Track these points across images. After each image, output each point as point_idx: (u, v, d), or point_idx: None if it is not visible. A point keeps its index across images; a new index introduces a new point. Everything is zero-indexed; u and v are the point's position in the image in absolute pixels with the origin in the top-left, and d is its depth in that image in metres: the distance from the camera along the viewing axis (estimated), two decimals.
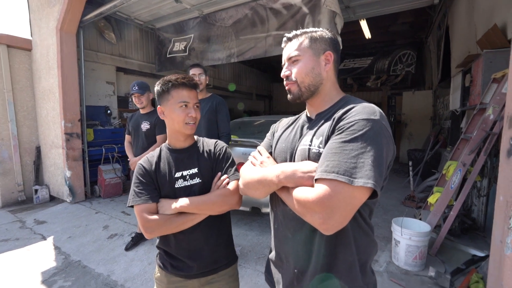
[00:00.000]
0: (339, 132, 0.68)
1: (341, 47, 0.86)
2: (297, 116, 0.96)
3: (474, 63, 3.04)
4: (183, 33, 4.80)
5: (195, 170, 1.05)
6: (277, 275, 0.88)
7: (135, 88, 2.56)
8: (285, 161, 0.83)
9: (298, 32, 0.84)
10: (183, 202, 0.96)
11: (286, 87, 0.85)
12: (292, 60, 0.82)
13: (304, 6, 3.39)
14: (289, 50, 0.84)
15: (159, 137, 2.59)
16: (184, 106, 1.01)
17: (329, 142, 0.68)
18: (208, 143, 1.14)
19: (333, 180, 0.61)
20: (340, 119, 0.71)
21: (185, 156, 1.07)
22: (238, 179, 1.00)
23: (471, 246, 2.47)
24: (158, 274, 1.11)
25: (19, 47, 4.28)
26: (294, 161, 0.80)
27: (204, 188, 1.04)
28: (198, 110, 1.06)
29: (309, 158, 0.74)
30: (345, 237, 0.72)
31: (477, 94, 2.86)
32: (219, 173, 1.05)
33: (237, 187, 0.99)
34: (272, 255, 0.92)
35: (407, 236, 2.22)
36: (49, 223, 3.38)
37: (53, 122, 4.15)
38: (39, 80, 4.33)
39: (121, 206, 3.93)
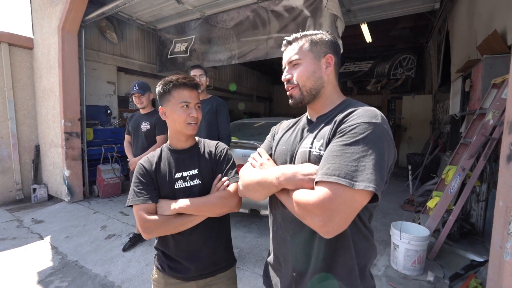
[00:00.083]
0: (340, 135, 0.67)
1: (341, 50, 0.87)
2: (297, 118, 0.96)
3: (474, 68, 3.05)
4: (185, 34, 4.82)
5: (195, 171, 1.04)
6: (275, 278, 0.88)
7: (135, 88, 2.56)
8: (285, 163, 0.83)
9: (298, 35, 0.83)
10: (182, 203, 0.96)
11: (288, 92, 0.84)
12: (293, 64, 0.82)
13: (306, 9, 3.41)
14: (289, 53, 0.83)
15: (159, 138, 2.58)
16: (185, 106, 1.01)
17: (330, 145, 0.68)
18: (209, 145, 1.13)
19: (334, 183, 0.61)
20: (341, 122, 0.70)
21: (186, 157, 1.07)
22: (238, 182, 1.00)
23: (469, 251, 2.46)
24: (156, 275, 1.11)
25: (20, 45, 4.29)
26: (294, 163, 0.80)
27: (204, 190, 1.03)
28: (200, 110, 1.06)
29: (309, 161, 0.74)
30: (345, 241, 0.72)
31: (476, 99, 2.87)
32: (219, 175, 1.05)
33: (237, 190, 0.99)
34: (271, 258, 0.91)
35: (406, 240, 2.21)
36: (47, 222, 3.36)
37: (53, 121, 4.14)
38: (40, 78, 4.33)
39: (120, 207, 3.92)
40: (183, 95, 1.01)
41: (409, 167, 4.23)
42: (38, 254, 2.59)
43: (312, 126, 0.82)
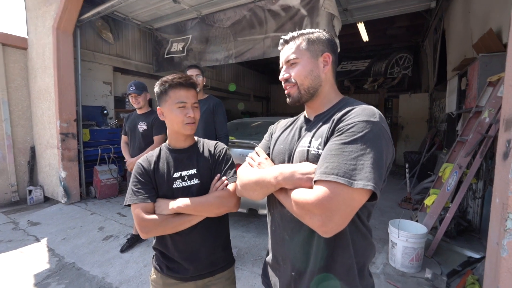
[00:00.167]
0: (338, 133, 0.67)
1: (339, 49, 0.87)
2: (295, 117, 0.95)
3: (470, 67, 3.08)
4: (181, 33, 4.79)
5: (193, 171, 1.04)
6: (274, 278, 0.87)
7: (132, 88, 2.54)
8: (283, 162, 0.82)
9: (295, 34, 0.82)
10: (180, 202, 0.95)
11: (286, 91, 0.84)
12: (290, 63, 0.81)
13: (303, 8, 3.40)
14: (286, 52, 0.83)
15: (156, 138, 2.57)
16: (182, 106, 1.00)
17: (329, 143, 0.68)
18: (208, 144, 1.13)
19: (333, 182, 0.60)
20: (339, 120, 0.70)
21: (185, 156, 1.06)
22: None
23: (466, 247, 2.49)
24: (154, 276, 1.10)
25: (14, 45, 4.23)
26: (292, 162, 0.79)
27: (202, 189, 1.03)
28: (197, 110, 1.05)
29: (307, 160, 0.73)
30: (343, 240, 0.72)
31: (473, 97, 2.89)
32: (218, 175, 1.04)
33: (235, 190, 0.98)
34: (269, 257, 0.91)
35: (404, 238, 2.22)
36: (43, 224, 3.33)
37: (48, 122, 4.10)
38: (34, 79, 4.28)
39: (117, 207, 3.89)
40: (180, 95, 1.00)
41: (406, 165, 4.26)
42: (35, 257, 2.56)
43: (310, 125, 0.82)
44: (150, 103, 5.98)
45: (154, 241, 1.09)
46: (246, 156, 0.95)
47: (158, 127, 2.56)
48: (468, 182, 2.49)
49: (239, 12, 4.03)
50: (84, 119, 4.43)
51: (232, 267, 1.14)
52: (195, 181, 1.03)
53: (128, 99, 2.97)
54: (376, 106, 0.73)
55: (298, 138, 0.82)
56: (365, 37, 6.17)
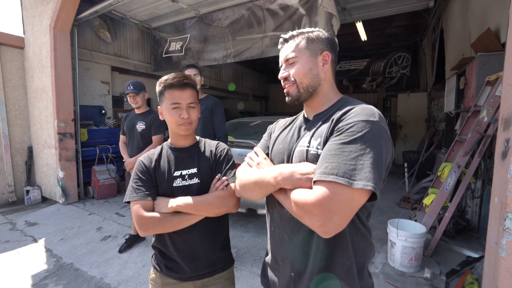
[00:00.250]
0: (338, 133, 0.67)
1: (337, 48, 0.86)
2: (294, 117, 0.95)
3: (468, 66, 3.08)
4: (180, 33, 4.77)
5: (194, 170, 1.03)
6: (273, 278, 0.87)
7: (130, 87, 2.53)
8: (282, 162, 0.82)
9: (295, 32, 0.82)
10: (180, 201, 0.95)
11: (285, 90, 0.84)
12: (290, 62, 0.81)
13: (301, 7, 3.40)
14: (286, 51, 0.82)
15: (155, 138, 2.56)
16: (175, 107, 1.00)
17: (328, 143, 0.67)
18: (210, 144, 1.13)
19: (332, 182, 0.60)
20: (339, 120, 0.70)
21: (186, 155, 1.06)
22: None
23: (465, 247, 2.49)
24: (153, 275, 1.10)
25: (10, 44, 4.20)
26: (291, 162, 0.79)
27: (202, 189, 1.02)
28: (194, 110, 1.03)
29: (307, 160, 0.73)
30: (343, 240, 0.71)
31: (471, 97, 2.89)
32: (219, 175, 1.04)
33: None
34: (268, 258, 0.90)
35: (403, 238, 2.23)
36: (41, 224, 3.31)
37: (46, 121, 4.07)
38: (31, 78, 4.25)
39: (115, 208, 3.88)
40: (174, 96, 1.00)
41: (405, 165, 4.27)
42: (32, 257, 2.54)
43: (309, 124, 0.82)
44: (149, 102, 5.96)
45: (153, 239, 1.08)
46: (245, 156, 0.94)
47: (156, 127, 2.55)
48: (467, 182, 2.49)
49: (237, 11, 4.02)
50: (82, 119, 4.41)
51: (231, 267, 1.14)
52: (195, 180, 1.03)
53: (126, 99, 2.95)
54: (375, 106, 0.72)
55: (297, 138, 0.81)
56: (363, 36, 6.17)
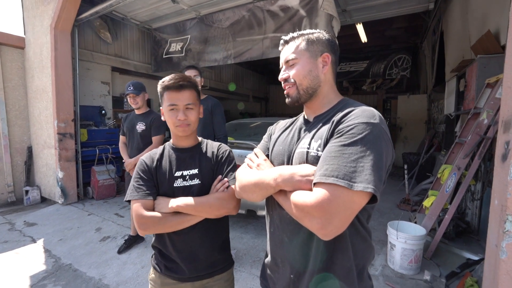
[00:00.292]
0: (338, 135, 0.67)
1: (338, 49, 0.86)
2: (294, 118, 0.94)
3: (468, 68, 3.08)
4: (180, 33, 4.78)
5: (195, 171, 1.04)
6: (272, 280, 0.87)
7: (130, 88, 2.53)
8: (283, 164, 0.82)
9: (295, 34, 0.83)
10: (180, 201, 0.95)
11: (285, 91, 0.84)
12: (290, 63, 0.81)
13: (302, 9, 3.40)
14: (286, 53, 0.83)
15: (155, 138, 2.55)
16: (172, 108, 1.00)
17: (328, 145, 0.67)
18: (212, 145, 1.13)
19: (333, 184, 0.60)
20: (339, 122, 0.70)
21: (187, 156, 1.06)
22: None
23: (465, 249, 2.48)
24: (153, 275, 1.10)
25: (11, 45, 4.21)
26: (291, 164, 0.78)
27: (203, 190, 1.02)
28: (193, 111, 1.02)
29: (307, 161, 0.73)
30: (343, 242, 0.71)
31: (471, 99, 2.90)
32: (220, 176, 1.04)
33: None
34: (268, 259, 0.90)
35: (403, 240, 2.22)
36: (40, 225, 3.30)
37: (45, 121, 4.07)
38: (32, 78, 4.25)
39: (115, 208, 3.87)
40: (170, 97, 1.00)
41: (405, 167, 4.26)
42: (31, 258, 2.54)
43: (309, 126, 0.81)
44: (149, 103, 5.96)
45: (153, 239, 1.09)
46: (245, 157, 0.94)
47: (156, 128, 2.55)
48: (467, 184, 2.49)
49: (238, 13, 4.02)
50: (82, 119, 4.41)
51: (231, 268, 1.13)
52: (196, 181, 1.03)
53: (126, 99, 2.95)
54: (375, 107, 0.72)
55: (298, 139, 0.81)
56: (363, 38, 6.18)
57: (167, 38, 4.98)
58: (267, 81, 12.25)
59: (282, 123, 0.96)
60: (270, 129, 1.00)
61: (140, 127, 2.56)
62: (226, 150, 1.11)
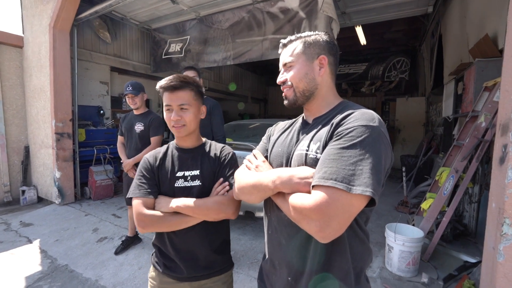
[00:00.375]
0: (337, 138, 0.66)
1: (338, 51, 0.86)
2: (293, 120, 0.94)
3: (466, 71, 3.10)
4: (179, 34, 4.78)
5: (196, 172, 1.03)
6: (270, 282, 0.86)
7: (129, 88, 2.52)
8: (281, 165, 0.81)
9: (293, 37, 0.83)
10: (180, 202, 0.95)
11: (283, 93, 0.84)
12: (287, 66, 0.82)
13: (301, 11, 3.41)
14: (284, 56, 0.84)
15: (153, 139, 2.54)
16: (168, 109, 1.01)
17: (327, 148, 0.67)
18: (215, 147, 1.12)
19: (331, 187, 0.59)
20: (338, 124, 0.69)
21: (189, 156, 1.06)
22: None
23: (462, 252, 2.49)
24: (153, 273, 1.10)
25: (9, 43, 4.19)
26: (290, 166, 0.78)
27: (203, 192, 1.02)
28: (188, 112, 1.01)
29: (306, 164, 0.72)
30: (341, 245, 0.71)
31: (469, 102, 2.91)
32: (221, 179, 1.03)
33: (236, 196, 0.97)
34: (266, 261, 0.89)
35: (401, 242, 2.22)
36: (36, 225, 3.28)
37: (43, 121, 4.05)
38: (30, 78, 4.23)
39: (112, 209, 3.85)
40: (166, 98, 1.01)
41: (403, 169, 4.28)
42: (26, 258, 2.51)
43: (309, 128, 0.81)
44: (147, 103, 5.95)
45: (154, 237, 1.09)
46: (244, 158, 0.94)
47: (155, 128, 2.54)
48: (465, 186, 2.50)
49: (237, 14, 4.03)
50: (80, 119, 4.39)
51: (230, 270, 1.13)
52: (197, 182, 1.02)
53: (125, 99, 2.95)
54: (374, 109, 0.72)
55: (296, 141, 0.81)
56: (363, 40, 6.21)
57: (167, 39, 4.97)
58: (266, 82, 12.26)
59: (281, 125, 0.96)
60: (269, 130, 1.00)
61: (139, 127, 2.55)
62: (229, 153, 1.10)
